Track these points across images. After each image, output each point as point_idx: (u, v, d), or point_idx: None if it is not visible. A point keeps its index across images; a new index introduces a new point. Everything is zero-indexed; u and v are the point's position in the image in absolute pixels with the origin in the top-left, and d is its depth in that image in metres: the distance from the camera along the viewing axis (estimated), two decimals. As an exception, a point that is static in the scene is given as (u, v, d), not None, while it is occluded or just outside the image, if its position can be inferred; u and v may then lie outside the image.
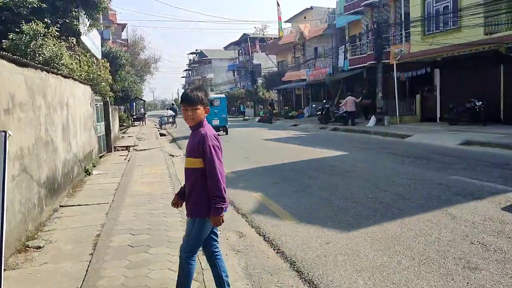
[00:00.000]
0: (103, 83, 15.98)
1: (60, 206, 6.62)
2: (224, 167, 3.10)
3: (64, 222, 5.81)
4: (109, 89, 16.61)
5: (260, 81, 47.53)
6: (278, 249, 4.61)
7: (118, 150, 16.73)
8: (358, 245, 4.52)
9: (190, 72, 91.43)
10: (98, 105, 14.70)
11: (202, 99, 3.11)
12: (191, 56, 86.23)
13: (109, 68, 16.60)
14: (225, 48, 65.46)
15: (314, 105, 30.07)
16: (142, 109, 48.61)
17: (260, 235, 5.19)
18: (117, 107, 21.69)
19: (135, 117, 37.12)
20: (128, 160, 12.44)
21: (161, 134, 24.88)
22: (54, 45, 9.70)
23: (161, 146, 16.79)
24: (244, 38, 55.76)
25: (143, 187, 7.97)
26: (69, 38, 10.56)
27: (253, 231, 5.37)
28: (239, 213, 6.33)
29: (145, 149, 15.74)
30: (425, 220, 5.19)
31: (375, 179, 7.85)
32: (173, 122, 32.71)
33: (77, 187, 8.22)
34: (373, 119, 22.91)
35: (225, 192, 3.02)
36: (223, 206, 3.00)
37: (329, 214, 5.77)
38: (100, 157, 14.04)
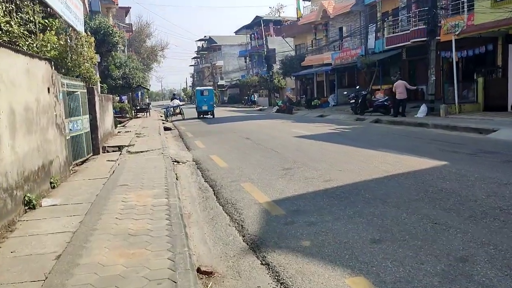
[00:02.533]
0: (86, 64, 12.07)
1: None
2: None
3: None
4: (94, 71, 12.63)
5: (276, 67, 43.25)
6: None
7: (107, 152, 12.84)
8: None
9: (198, 59, 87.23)
10: (79, 93, 10.90)
11: None
12: (199, 43, 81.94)
13: (93, 44, 12.61)
14: (236, 32, 61.27)
15: (345, 92, 25.79)
16: (147, 99, 44.62)
17: None
18: (112, 96, 17.71)
19: (138, 107, 33.11)
20: (113, 172, 8.47)
21: (166, 128, 20.92)
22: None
23: (164, 145, 12.81)
24: (257, 21, 51.30)
25: (113, 252, 3.96)
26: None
27: None
28: None
29: (141, 151, 11.78)
30: None
31: None
32: (180, 113, 28.68)
33: (-9, 245, 4.26)
34: (423, 109, 18.71)
35: None
36: None
37: None
38: (81, 163, 10.29)
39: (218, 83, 68.98)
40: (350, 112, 23.37)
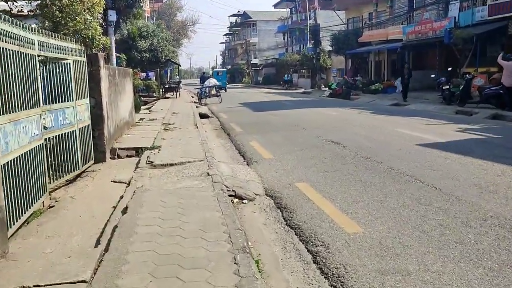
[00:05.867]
0: (84, 15, 7.31)
1: None
2: None
3: None
4: (98, 31, 7.72)
5: (323, 43, 37.51)
6: None
7: (118, 158, 8.12)
8: None
9: (231, 36, 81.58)
10: (71, 62, 6.29)
11: None
12: (232, 19, 76.18)
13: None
14: (275, 5, 55.40)
15: (433, 75, 20.25)
16: (177, 77, 39.69)
17: None
18: (132, 70, 12.87)
19: (166, 86, 28.43)
20: (108, 243, 3.66)
21: (202, 115, 16.12)
22: None
23: (207, 153, 7.96)
24: (301, -9, 45.42)
25: None
26: None
27: None
28: None
29: (171, 164, 6.99)
30: None
31: None
32: (217, 95, 23.78)
33: None
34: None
35: None
36: None
37: None
38: (74, 178, 5.80)
39: (252, 62, 63.52)
40: (437, 101, 17.99)
